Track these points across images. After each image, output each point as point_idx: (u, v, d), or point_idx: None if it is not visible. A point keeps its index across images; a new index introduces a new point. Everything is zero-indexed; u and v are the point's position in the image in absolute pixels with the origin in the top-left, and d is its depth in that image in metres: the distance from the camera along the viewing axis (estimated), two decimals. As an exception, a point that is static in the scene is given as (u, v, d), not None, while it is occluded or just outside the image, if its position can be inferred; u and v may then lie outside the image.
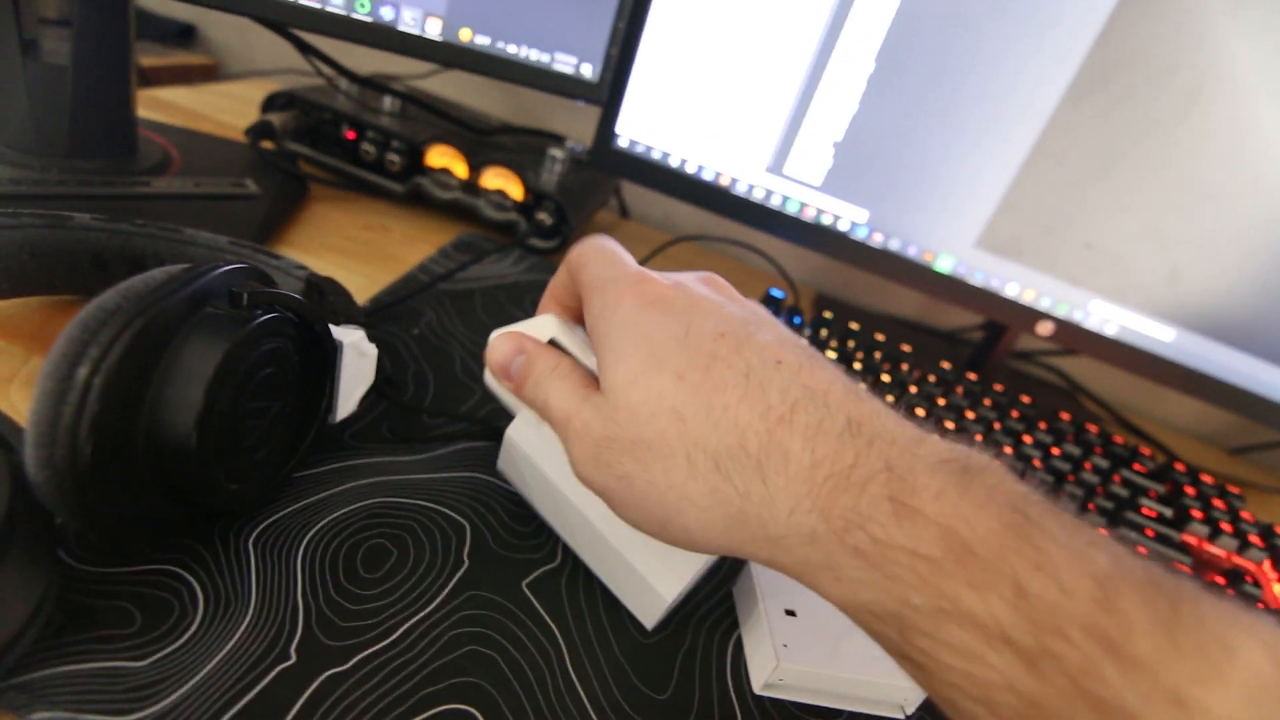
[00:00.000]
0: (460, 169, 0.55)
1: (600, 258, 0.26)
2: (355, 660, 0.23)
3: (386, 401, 0.34)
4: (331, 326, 0.28)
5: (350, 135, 0.55)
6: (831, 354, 0.50)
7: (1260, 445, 0.79)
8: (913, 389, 0.50)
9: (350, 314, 0.32)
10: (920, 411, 0.47)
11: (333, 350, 0.27)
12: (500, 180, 0.55)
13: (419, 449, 0.32)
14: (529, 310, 0.48)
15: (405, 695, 0.22)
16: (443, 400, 0.36)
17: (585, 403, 0.23)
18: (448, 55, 0.45)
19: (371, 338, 0.30)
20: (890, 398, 0.48)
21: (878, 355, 0.52)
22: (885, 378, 0.50)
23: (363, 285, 0.44)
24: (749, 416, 0.20)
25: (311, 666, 0.22)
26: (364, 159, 0.55)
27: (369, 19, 0.43)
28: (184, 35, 0.81)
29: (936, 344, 0.74)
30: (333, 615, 0.24)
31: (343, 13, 0.42)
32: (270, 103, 0.56)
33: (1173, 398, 0.82)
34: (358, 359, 0.29)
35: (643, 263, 0.58)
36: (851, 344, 0.53)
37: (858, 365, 0.51)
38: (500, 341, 0.27)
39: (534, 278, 0.53)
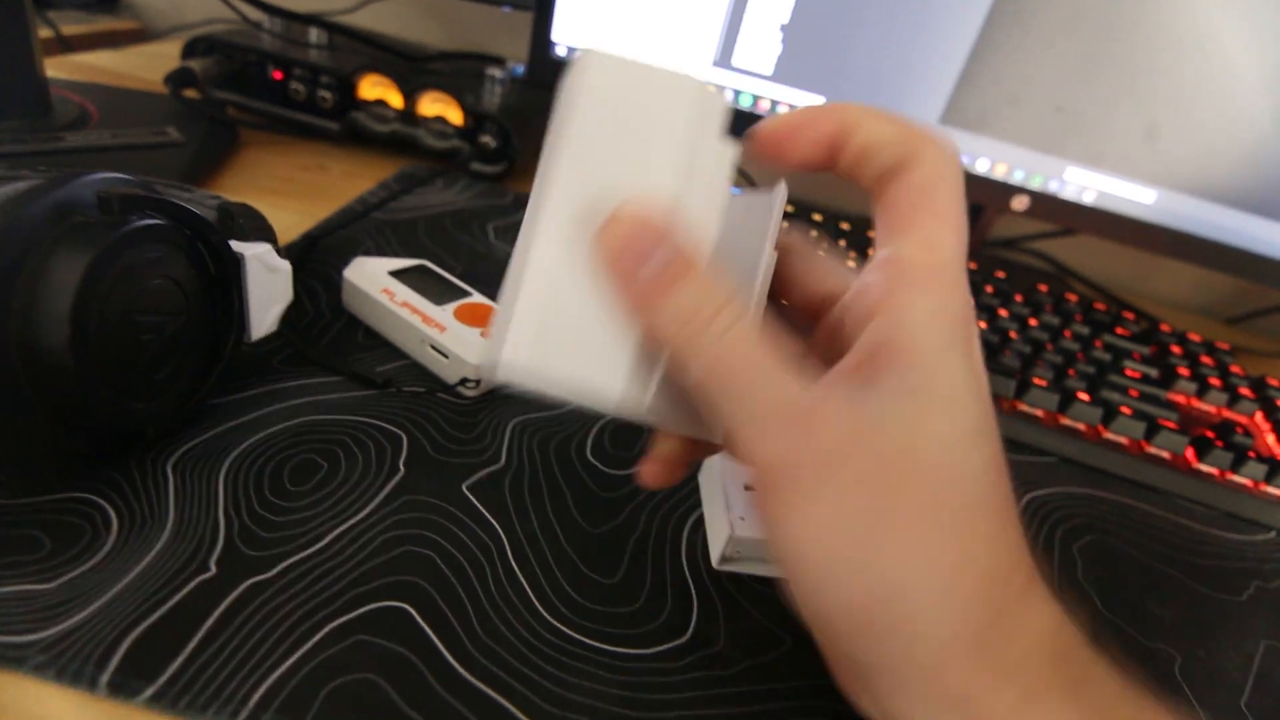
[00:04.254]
0: (395, 99, 0.53)
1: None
2: (280, 568, 0.22)
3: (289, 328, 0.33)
4: (235, 242, 0.27)
5: (277, 75, 0.53)
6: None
7: (1257, 312, 0.77)
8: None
9: (264, 236, 0.30)
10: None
11: (233, 262, 0.26)
12: (438, 106, 0.53)
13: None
14: (477, 236, 0.46)
15: (333, 597, 0.22)
16: (374, 338, 0.34)
17: (830, 393, 0.16)
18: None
19: (303, 272, 0.29)
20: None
21: (870, 251, 0.51)
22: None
23: (298, 223, 0.42)
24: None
25: (232, 576, 0.21)
26: (294, 99, 0.53)
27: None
28: (106, 1, 0.77)
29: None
30: (256, 527, 0.23)
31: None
32: (190, 49, 0.54)
33: (1164, 273, 0.80)
34: (267, 274, 0.27)
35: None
36: (843, 243, 0.51)
37: (851, 262, 0.49)
38: (632, 214, 0.17)
39: (482, 203, 0.51)
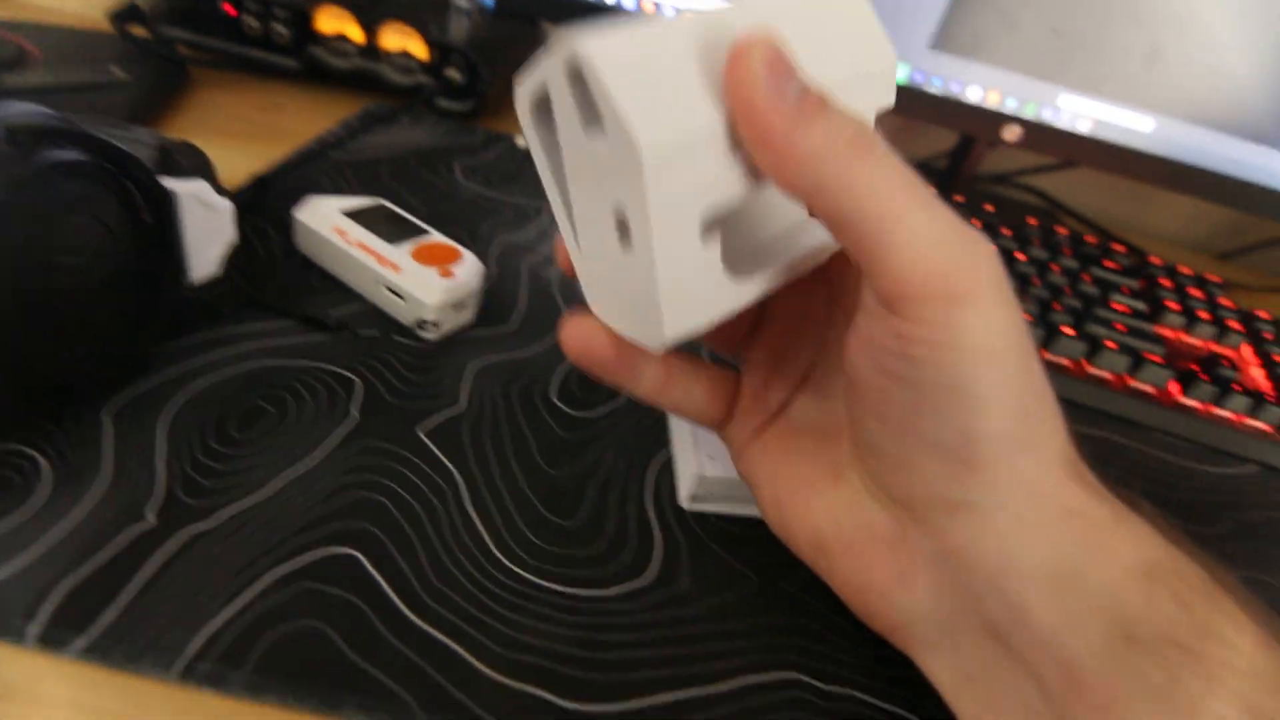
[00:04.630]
0: (355, 32, 0.50)
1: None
2: (223, 518, 0.21)
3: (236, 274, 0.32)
4: (166, 179, 0.25)
5: (229, 10, 0.50)
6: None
7: (1248, 247, 0.75)
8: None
9: (205, 175, 0.29)
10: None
11: (165, 201, 0.24)
12: (401, 39, 0.50)
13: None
14: (443, 176, 0.44)
15: (277, 545, 0.21)
16: (328, 280, 0.33)
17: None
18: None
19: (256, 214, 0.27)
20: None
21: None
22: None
23: (252, 165, 0.40)
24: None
25: (171, 526, 0.21)
26: (248, 34, 0.50)
27: None
28: (54, -65, 0.73)
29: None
30: (199, 476, 0.22)
31: None
32: (135, -18, 0.50)
33: (1157, 208, 0.78)
34: (204, 212, 0.26)
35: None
36: None
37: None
38: (764, 42, 0.15)
39: (448, 142, 0.49)
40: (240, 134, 0.44)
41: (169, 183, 0.25)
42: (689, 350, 0.22)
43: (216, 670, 0.18)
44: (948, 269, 0.16)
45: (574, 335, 0.20)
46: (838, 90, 0.16)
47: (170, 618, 0.19)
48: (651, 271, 0.16)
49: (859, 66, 0.18)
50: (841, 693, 0.21)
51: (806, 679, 0.21)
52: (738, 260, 0.18)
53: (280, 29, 0.49)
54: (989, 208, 0.49)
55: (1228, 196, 0.53)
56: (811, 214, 0.18)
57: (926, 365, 0.16)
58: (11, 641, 0.17)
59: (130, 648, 0.18)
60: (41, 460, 0.22)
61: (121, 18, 0.47)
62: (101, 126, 0.31)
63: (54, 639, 0.18)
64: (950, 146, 0.65)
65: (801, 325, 0.23)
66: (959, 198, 0.50)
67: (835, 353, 0.21)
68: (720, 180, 0.16)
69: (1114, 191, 0.77)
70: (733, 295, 0.18)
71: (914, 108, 0.52)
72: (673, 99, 0.15)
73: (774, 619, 0.23)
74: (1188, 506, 0.34)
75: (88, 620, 0.18)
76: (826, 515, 0.20)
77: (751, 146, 0.16)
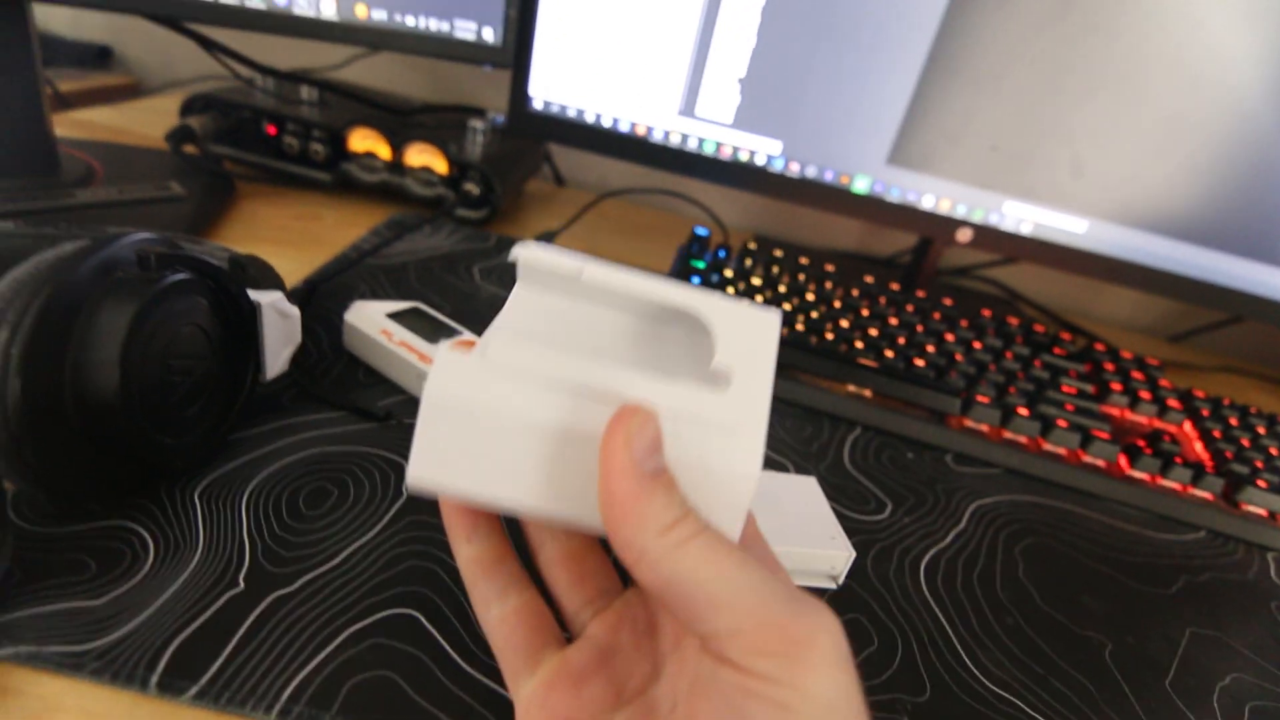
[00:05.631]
0: (384, 150, 0.57)
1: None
2: (301, 582, 0.25)
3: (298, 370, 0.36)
4: (251, 291, 0.30)
5: (271, 130, 0.56)
6: (757, 280, 0.52)
7: (1195, 330, 0.82)
8: (836, 304, 0.52)
9: (273, 284, 0.33)
10: (844, 322, 0.49)
11: (251, 310, 0.29)
12: (424, 157, 0.57)
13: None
14: (463, 278, 0.50)
15: (349, 606, 0.24)
16: (374, 376, 0.37)
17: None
18: (346, 33, 0.46)
19: (305, 315, 0.32)
20: (826, 307, 0.50)
21: (828, 285, 0.54)
22: (837, 303, 0.52)
23: (296, 269, 0.45)
24: None
25: (259, 590, 0.24)
26: (288, 152, 0.56)
27: (263, 6, 0.44)
28: (101, 57, 0.81)
29: (877, 270, 0.76)
30: (277, 548, 0.26)
31: (236, 2, 0.43)
32: (188, 107, 0.57)
33: (1108, 296, 0.85)
34: (279, 319, 0.31)
35: (570, 223, 0.60)
36: (802, 277, 0.55)
37: (810, 294, 0.52)
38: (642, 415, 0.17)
39: (466, 247, 0.54)
40: (282, 241, 0.49)
41: (254, 294, 0.29)
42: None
43: (308, 713, 0.21)
44: (785, 624, 0.16)
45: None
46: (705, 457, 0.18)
47: (265, 668, 0.22)
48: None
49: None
50: None
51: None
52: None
53: (317, 147, 0.56)
54: (948, 301, 0.55)
55: (1158, 287, 0.60)
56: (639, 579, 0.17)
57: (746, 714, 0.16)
58: (136, 689, 0.21)
59: (236, 693, 0.21)
60: (145, 534, 0.25)
61: (176, 138, 0.53)
62: (186, 244, 0.36)
63: (172, 687, 0.21)
64: (912, 245, 0.72)
65: (621, 652, 0.21)
66: (920, 292, 0.56)
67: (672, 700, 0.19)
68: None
69: (1066, 282, 0.84)
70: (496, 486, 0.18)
71: (877, 214, 0.58)
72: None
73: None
74: (1144, 570, 0.38)
75: (199, 670, 0.21)
76: None
77: (605, 481, 0.17)
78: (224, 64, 0.62)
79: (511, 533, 0.23)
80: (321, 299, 0.42)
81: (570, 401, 0.17)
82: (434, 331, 0.37)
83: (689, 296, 0.21)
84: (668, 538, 0.16)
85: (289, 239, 0.50)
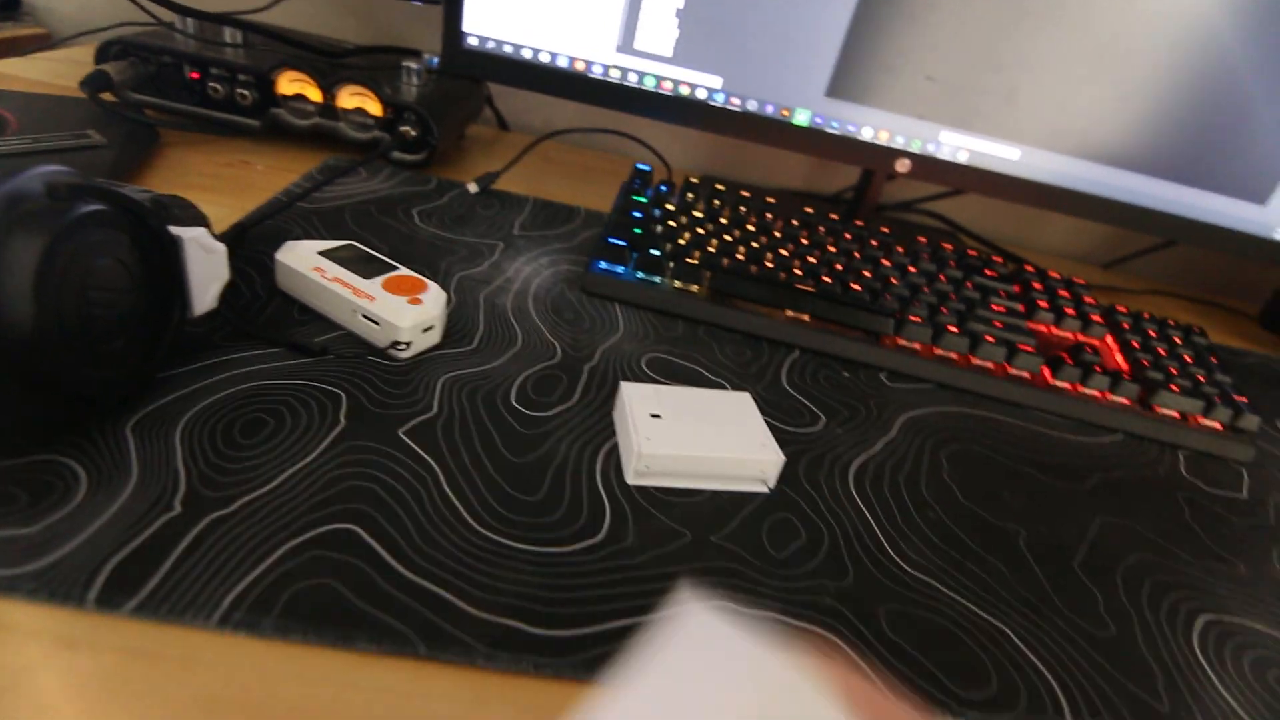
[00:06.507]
0: (314, 94, 0.55)
1: None
2: (238, 504, 0.25)
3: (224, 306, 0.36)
4: (173, 227, 0.29)
5: (194, 75, 0.54)
6: (699, 213, 0.53)
7: (1126, 256, 0.85)
8: (776, 234, 0.53)
9: (196, 222, 0.33)
10: (784, 251, 0.50)
11: (172, 244, 0.29)
12: (357, 99, 0.55)
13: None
14: (402, 220, 0.49)
15: (289, 523, 0.25)
16: (308, 313, 0.37)
17: None
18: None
19: (236, 258, 0.31)
20: (767, 237, 0.51)
21: (769, 216, 0.55)
22: (777, 233, 0.53)
23: (227, 215, 0.45)
24: None
25: (196, 513, 0.25)
26: (213, 98, 0.54)
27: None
28: (8, 7, 0.76)
29: (820, 205, 0.77)
30: (213, 474, 0.26)
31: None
32: (103, 53, 0.54)
33: (1044, 227, 0.87)
34: (204, 254, 0.30)
35: (511, 164, 0.60)
36: (744, 209, 0.56)
37: (751, 226, 0.53)
38: None
39: (405, 190, 0.53)
40: (211, 188, 0.48)
41: (176, 230, 0.29)
42: None
43: (249, 619, 0.22)
44: None
45: None
46: None
47: (205, 580, 0.22)
48: None
49: None
50: (762, 615, 0.26)
51: (734, 607, 0.26)
52: None
53: (243, 92, 0.54)
54: (885, 230, 0.56)
55: (1090, 212, 0.62)
56: None
57: None
58: (74, 605, 0.21)
59: (175, 605, 0.22)
60: (79, 468, 0.25)
61: (93, 84, 0.51)
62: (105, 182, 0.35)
63: (109, 601, 0.21)
64: (855, 183, 0.73)
65: None
66: (858, 222, 0.57)
67: None
68: None
69: (1006, 214, 0.86)
70: None
71: (819, 147, 0.59)
72: None
73: (705, 563, 0.28)
74: (1060, 469, 0.41)
75: (137, 587, 0.22)
76: None
77: None
78: (141, 7, 0.59)
79: None
80: (253, 242, 0.42)
81: None
82: (368, 267, 0.37)
83: None
84: None
85: (218, 185, 0.49)
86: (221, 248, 0.31)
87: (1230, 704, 0.28)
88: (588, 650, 0.23)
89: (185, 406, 0.29)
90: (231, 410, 0.29)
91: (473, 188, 0.56)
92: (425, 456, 0.29)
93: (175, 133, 0.54)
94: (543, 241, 0.51)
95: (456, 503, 0.28)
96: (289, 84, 0.55)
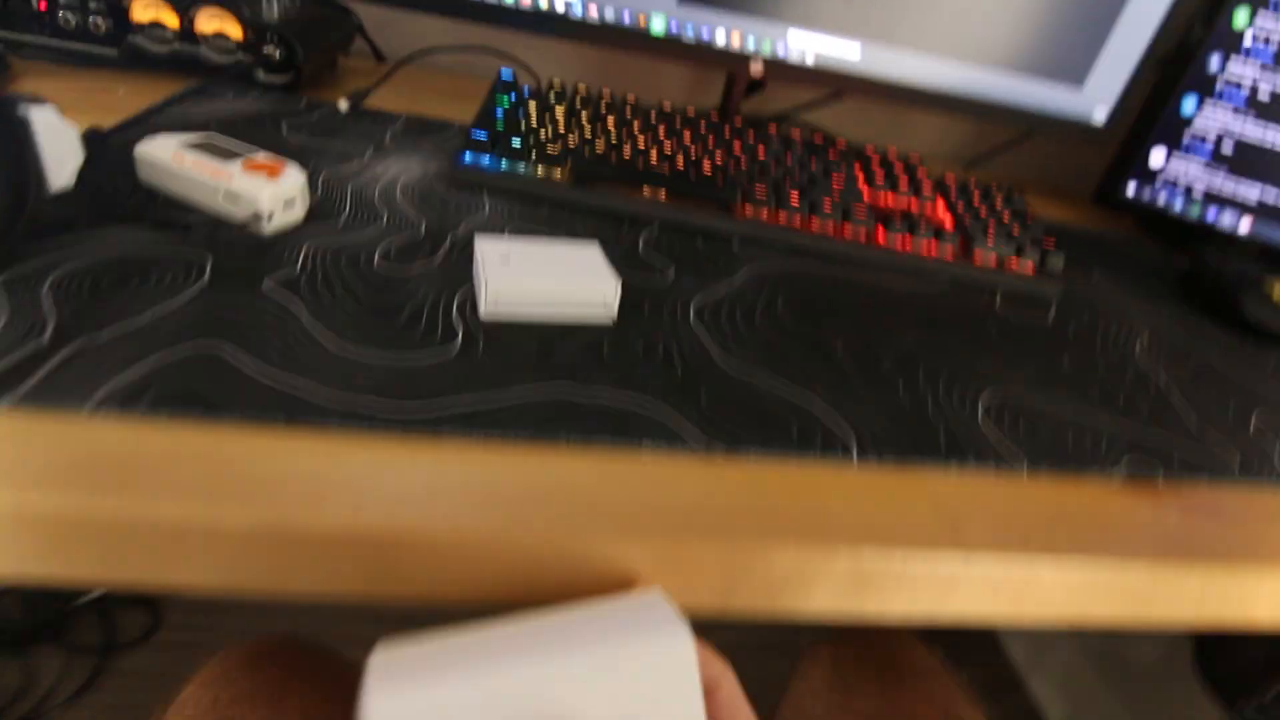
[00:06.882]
0: (170, 19, 0.55)
1: None
2: (108, 333, 0.28)
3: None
4: (21, 105, 0.31)
5: (43, 6, 0.54)
6: (560, 114, 0.56)
7: (985, 154, 0.93)
8: (636, 128, 0.57)
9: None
10: (641, 143, 0.54)
11: (21, 122, 0.30)
12: (216, 23, 0.56)
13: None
14: (271, 134, 0.51)
15: (157, 345, 0.28)
16: (171, 203, 0.39)
17: None
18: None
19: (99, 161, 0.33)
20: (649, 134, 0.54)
21: (628, 114, 0.59)
22: (637, 129, 0.56)
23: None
24: None
25: (64, 340, 0.27)
26: (64, 28, 0.54)
27: None
28: None
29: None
30: (84, 312, 0.29)
31: None
32: (-60, -12, 0.53)
33: (911, 131, 0.94)
34: (55, 133, 0.32)
35: (381, 81, 0.61)
36: (604, 109, 0.59)
37: (610, 125, 0.56)
38: None
39: (274, 109, 0.55)
40: (73, 112, 0.48)
41: (24, 107, 0.31)
42: None
43: (121, 406, 0.25)
44: None
45: None
46: None
47: (76, 385, 0.25)
48: None
49: None
50: (601, 405, 0.31)
51: (573, 399, 0.30)
52: None
53: (96, 20, 0.54)
54: (738, 121, 0.61)
55: (929, 103, 0.68)
56: None
57: None
58: (-50, 406, 0.24)
59: (46, 401, 0.24)
60: (-57, 313, 0.27)
61: (-69, 19, 0.50)
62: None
63: (-15, 401, 0.24)
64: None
65: None
66: (714, 116, 0.61)
67: None
68: None
69: (875, 122, 0.93)
70: None
71: (677, 53, 0.63)
72: None
73: (548, 371, 0.32)
74: (886, 307, 0.46)
75: (6, 390, 0.24)
76: None
77: None
78: (-24, -57, 0.58)
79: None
80: (115, 149, 0.43)
81: None
82: (228, 153, 0.39)
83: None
84: None
85: (80, 109, 0.49)
86: (73, 127, 0.33)
87: (991, 445, 0.34)
88: (438, 423, 0.27)
89: (51, 268, 0.31)
90: (99, 271, 0.31)
91: (343, 105, 0.57)
92: (287, 303, 0.32)
93: (30, 64, 0.54)
94: (414, 149, 0.53)
95: (316, 334, 0.31)
96: (143, 10, 0.55)
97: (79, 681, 1.00)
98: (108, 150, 0.42)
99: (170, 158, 0.37)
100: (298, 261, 0.35)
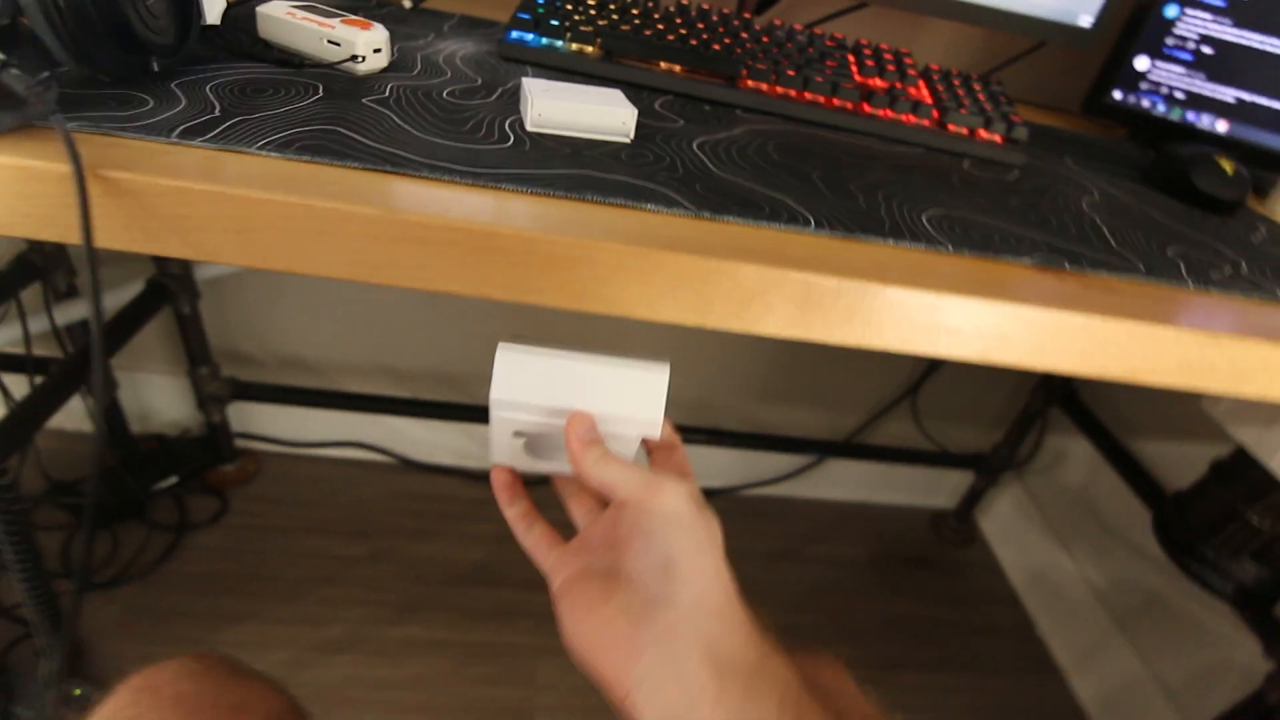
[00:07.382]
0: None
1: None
2: (256, 116, 0.38)
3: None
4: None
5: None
6: (593, 4, 0.65)
7: (998, 65, 0.99)
8: (657, 16, 0.65)
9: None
10: (661, 26, 0.63)
11: (184, -32, 0.41)
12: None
13: (277, 63, 0.47)
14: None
15: (292, 124, 0.38)
16: (286, 53, 0.49)
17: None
18: None
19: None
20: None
21: (672, 6, 0.67)
22: (669, 9, 0.65)
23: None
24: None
25: (228, 117, 0.38)
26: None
27: None
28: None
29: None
30: (236, 105, 0.39)
31: None
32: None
33: (925, 41, 1.00)
34: (207, -21, 0.42)
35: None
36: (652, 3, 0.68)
37: (636, 11, 0.65)
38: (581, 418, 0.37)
39: (349, 2, 0.65)
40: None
41: (184, -42, 0.41)
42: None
43: (278, 150, 0.35)
44: (649, 482, 0.34)
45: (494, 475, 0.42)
46: (617, 423, 0.38)
47: (244, 138, 0.36)
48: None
49: (636, 414, 0.38)
50: (618, 181, 0.40)
51: (598, 176, 0.40)
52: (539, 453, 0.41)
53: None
54: (747, 15, 0.69)
55: (927, 8, 0.75)
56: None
57: (640, 529, 0.33)
58: (161, 139, 0.34)
59: (226, 143, 0.35)
60: (148, 97, 0.38)
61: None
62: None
63: (186, 138, 0.34)
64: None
65: (590, 530, 0.39)
66: (725, 9, 0.70)
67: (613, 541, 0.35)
68: (532, 425, 0.39)
69: (890, 33, 0.99)
70: (529, 464, 0.42)
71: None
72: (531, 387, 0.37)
73: (580, 160, 0.42)
74: (865, 161, 0.55)
75: (199, 135, 0.35)
76: (601, 622, 0.32)
77: (568, 447, 0.36)
78: None
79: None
80: (241, 15, 0.53)
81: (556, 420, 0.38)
82: (329, 12, 0.49)
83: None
84: (595, 464, 0.35)
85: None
86: (222, -23, 0.43)
87: (927, 233, 0.43)
88: (498, 179, 0.37)
89: (208, 80, 0.42)
90: (243, 84, 0.42)
91: (407, 2, 0.67)
92: (383, 110, 0.42)
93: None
94: (468, 36, 0.63)
95: (407, 126, 0.41)
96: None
97: (157, 554, 1.15)
98: (237, 12, 0.53)
99: (284, 13, 0.48)
100: (385, 91, 0.45)
